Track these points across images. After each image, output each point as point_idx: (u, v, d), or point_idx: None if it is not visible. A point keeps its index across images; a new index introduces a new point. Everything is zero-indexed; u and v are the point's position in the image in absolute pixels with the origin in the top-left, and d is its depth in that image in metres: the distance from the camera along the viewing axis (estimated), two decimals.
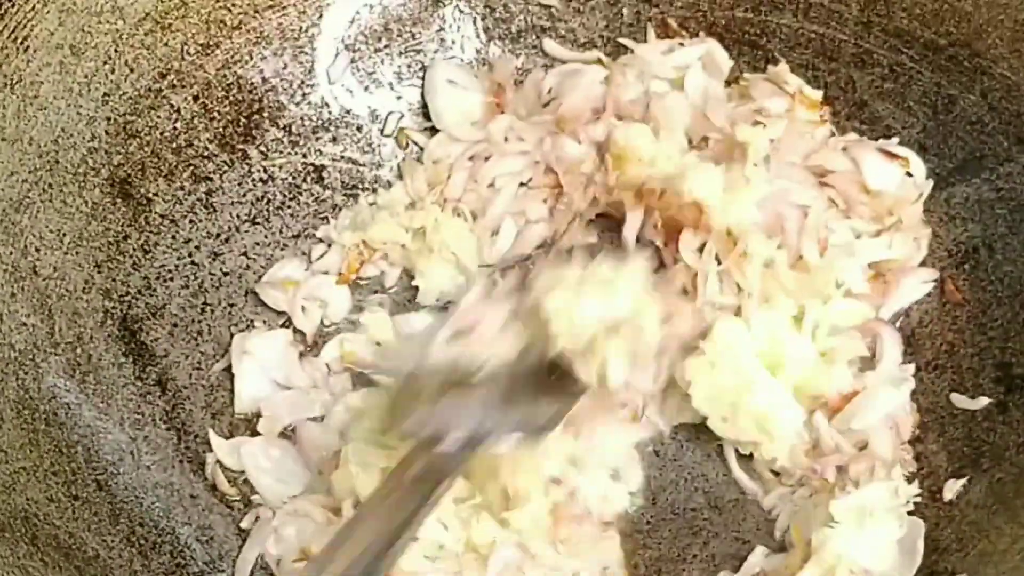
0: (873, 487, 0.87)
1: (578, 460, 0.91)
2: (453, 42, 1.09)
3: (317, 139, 1.06)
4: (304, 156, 1.05)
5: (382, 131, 1.08)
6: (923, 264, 0.98)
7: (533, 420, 0.84)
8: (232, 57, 1.02)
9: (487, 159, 1.03)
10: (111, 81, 0.97)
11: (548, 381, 0.87)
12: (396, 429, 0.86)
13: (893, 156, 0.97)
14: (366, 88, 1.08)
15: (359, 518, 0.79)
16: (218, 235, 1.02)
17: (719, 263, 0.92)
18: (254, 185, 1.04)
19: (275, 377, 0.99)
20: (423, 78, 1.08)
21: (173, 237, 1.00)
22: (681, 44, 1.05)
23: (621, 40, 1.07)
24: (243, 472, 0.96)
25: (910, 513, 0.88)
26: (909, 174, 0.98)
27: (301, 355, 1.00)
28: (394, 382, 0.89)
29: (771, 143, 0.95)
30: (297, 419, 0.98)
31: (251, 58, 1.03)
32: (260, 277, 1.03)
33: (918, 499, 0.88)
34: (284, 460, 0.96)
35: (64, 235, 0.94)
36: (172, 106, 1.00)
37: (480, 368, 0.86)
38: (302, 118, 1.06)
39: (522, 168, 1.03)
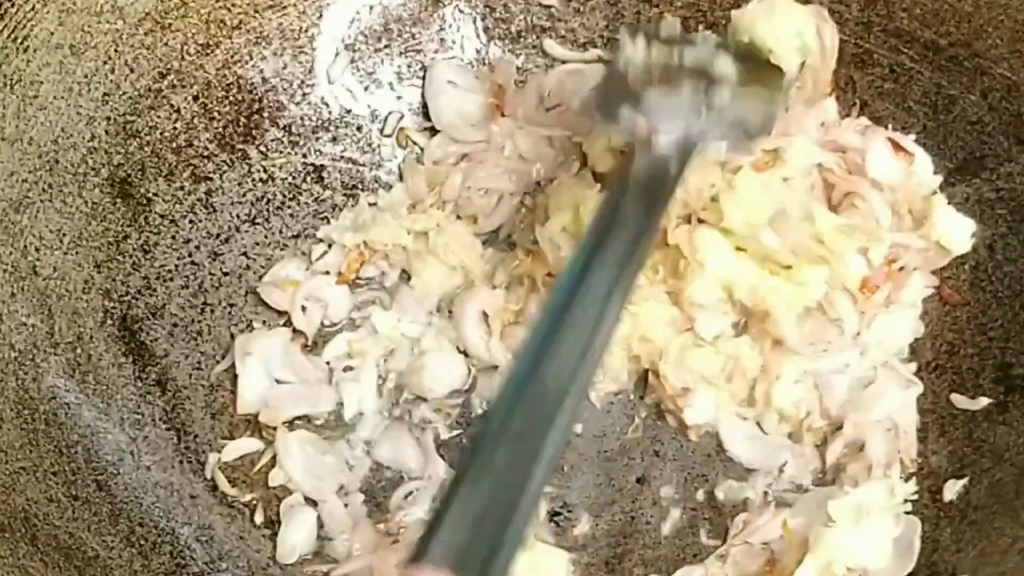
0: (870, 486, 0.87)
1: None
2: (453, 42, 1.08)
3: (317, 139, 1.06)
4: (304, 156, 1.05)
5: (382, 131, 1.08)
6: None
7: (741, 122, 0.81)
8: (232, 57, 1.02)
9: (482, 163, 1.03)
10: (111, 81, 0.97)
11: (748, 77, 0.83)
12: (606, 128, 0.84)
13: (899, 149, 0.97)
14: (366, 88, 1.08)
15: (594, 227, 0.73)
16: (218, 235, 1.02)
17: None
18: (254, 185, 1.04)
19: (278, 376, 0.99)
20: (423, 78, 1.08)
21: (173, 237, 1.00)
22: None
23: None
24: (243, 472, 0.96)
25: (908, 512, 0.88)
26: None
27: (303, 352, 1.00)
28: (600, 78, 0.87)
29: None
30: (299, 413, 0.98)
31: (251, 58, 1.03)
32: (260, 277, 1.03)
33: (915, 498, 0.88)
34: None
35: (64, 235, 0.94)
36: (172, 106, 1.00)
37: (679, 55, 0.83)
38: (302, 118, 1.06)
39: (516, 188, 1.03)
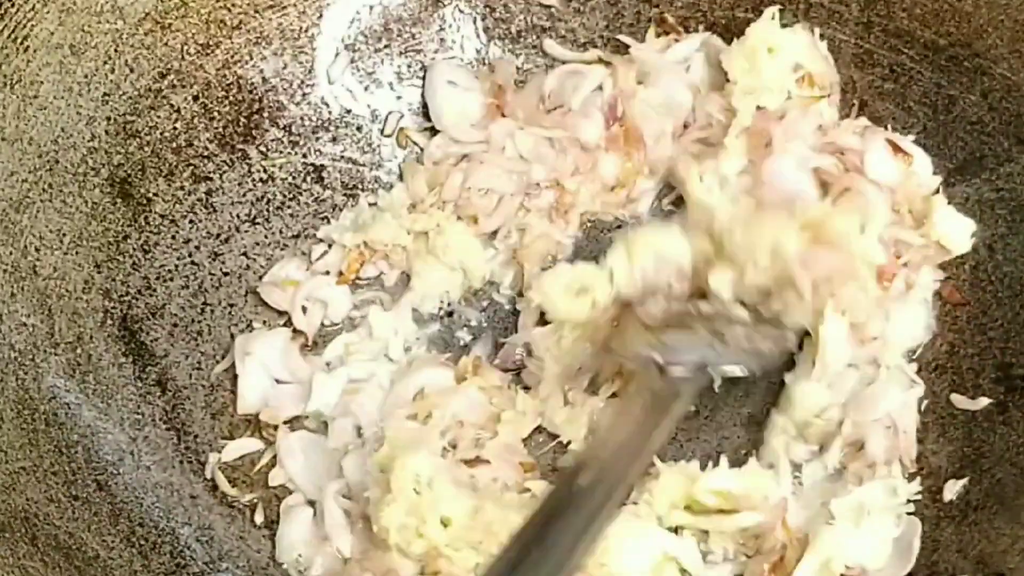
0: (873, 485, 0.87)
1: None
2: (453, 42, 1.08)
3: (317, 139, 1.06)
4: (304, 156, 1.05)
5: (382, 131, 1.08)
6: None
7: (756, 352, 0.88)
8: (232, 57, 1.02)
9: (482, 163, 1.03)
10: (111, 81, 0.97)
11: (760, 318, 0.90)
12: (621, 351, 0.90)
13: (898, 150, 0.97)
14: (366, 88, 1.08)
15: (604, 441, 0.80)
16: (218, 235, 1.02)
17: None
18: (254, 185, 1.04)
19: (278, 376, 0.99)
20: (423, 78, 1.08)
21: (173, 237, 1.00)
22: (676, 40, 1.05)
23: (620, 37, 1.07)
24: (243, 472, 0.96)
25: (909, 513, 0.88)
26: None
27: (303, 352, 1.00)
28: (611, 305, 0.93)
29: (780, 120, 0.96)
30: (298, 412, 0.98)
31: (251, 58, 1.03)
32: (260, 277, 1.03)
33: (918, 498, 0.88)
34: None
35: (64, 235, 0.94)
36: (172, 106, 1.00)
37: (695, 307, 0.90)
38: (302, 118, 1.06)
39: (516, 189, 1.03)
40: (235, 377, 0.98)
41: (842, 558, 0.85)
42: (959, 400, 0.93)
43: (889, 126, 0.99)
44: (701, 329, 0.88)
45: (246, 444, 0.97)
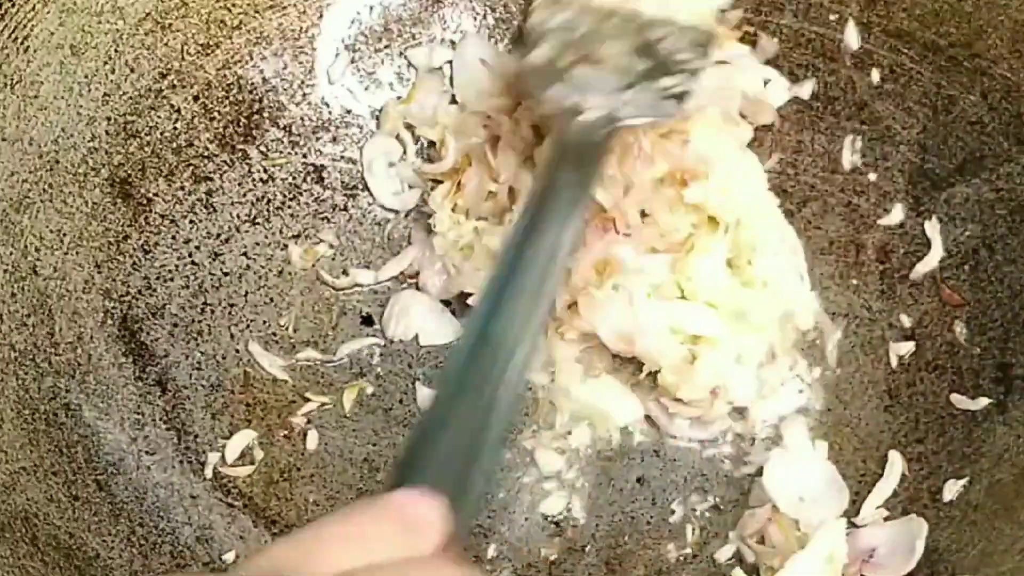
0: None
1: None
2: (453, 42, 1.08)
3: (317, 139, 1.06)
4: (304, 156, 1.06)
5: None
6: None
7: (663, 95, 0.86)
8: (232, 57, 1.02)
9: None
10: (111, 81, 0.97)
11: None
12: (533, 103, 0.89)
13: None
14: (366, 88, 1.08)
15: (523, 223, 0.77)
16: (218, 235, 1.02)
17: None
18: (254, 185, 1.04)
19: None
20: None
21: (173, 237, 1.00)
22: None
23: None
24: (243, 472, 0.96)
25: (917, 513, 0.89)
26: None
27: None
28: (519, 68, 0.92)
29: None
30: None
31: (251, 58, 1.03)
32: (260, 277, 1.03)
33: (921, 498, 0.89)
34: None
35: (64, 235, 0.94)
36: (172, 106, 1.00)
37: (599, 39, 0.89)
38: (302, 118, 1.06)
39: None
40: (235, 378, 0.99)
41: (844, 549, 0.86)
42: (959, 400, 0.93)
43: None
44: (611, 65, 0.86)
45: (244, 437, 0.97)
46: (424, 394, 0.99)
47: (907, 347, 0.97)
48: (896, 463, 0.91)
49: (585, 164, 0.80)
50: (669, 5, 0.92)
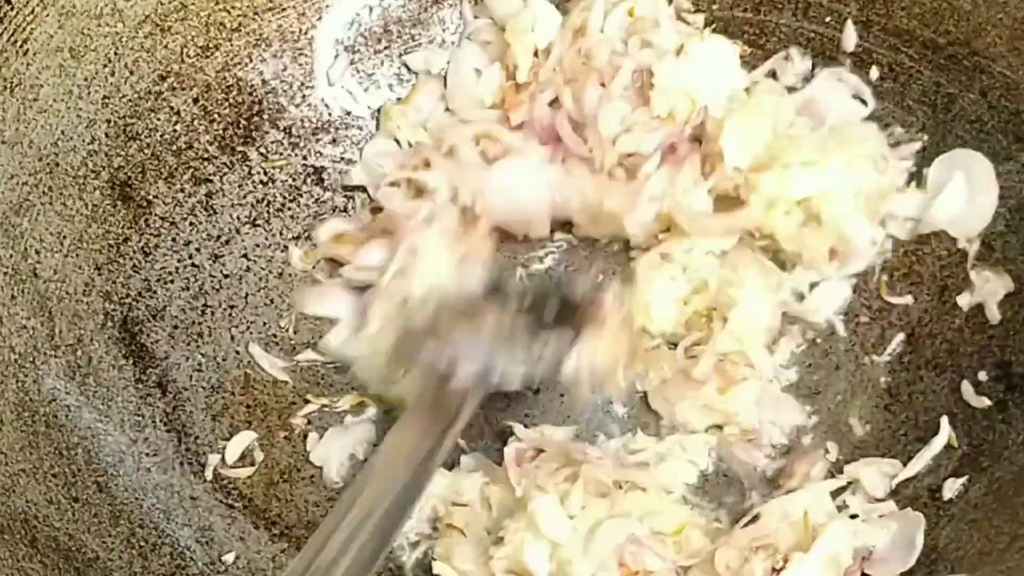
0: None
1: None
2: (452, 44, 1.08)
3: (317, 141, 1.06)
4: (304, 158, 1.06)
5: None
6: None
7: (538, 355, 0.89)
8: (232, 59, 1.03)
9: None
10: (111, 84, 0.97)
11: (550, 320, 0.91)
12: (406, 366, 0.90)
13: None
14: (366, 90, 1.08)
15: (373, 465, 0.81)
16: (218, 237, 1.02)
17: None
18: (254, 187, 1.04)
19: None
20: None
21: (173, 239, 1.01)
22: None
23: None
24: (243, 473, 0.97)
25: (914, 508, 0.89)
26: None
27: None
28: (397, 332, 0.94)
29: None
30: None
31: (251, 60, 1.03)
32: (261, 279, 1.03)
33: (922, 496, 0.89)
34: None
35: (64, 238, 0.94)
36: (172, 108, 1.00)
37: (488, 301, 0.92)
38: (302, 120, 1.06)
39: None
40: (235, 378, 0.99)
41: (850, 550, 0.86)
42: (960, 398, 0.93)
43: None
44: (487, 329, 0.89)
45: (244, 438, 0.97)
46: None
47: (907, 347, 0.97)
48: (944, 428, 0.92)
49: (448, 420, 0.83)
50: None
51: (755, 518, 0.88)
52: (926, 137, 0.99)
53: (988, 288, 0.94)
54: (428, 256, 0.96)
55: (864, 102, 1.00)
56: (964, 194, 0.96)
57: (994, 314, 0.94)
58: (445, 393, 0.84)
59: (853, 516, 0.89)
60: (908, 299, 0.98)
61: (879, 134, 0.98)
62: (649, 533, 0.86)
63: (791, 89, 1.01)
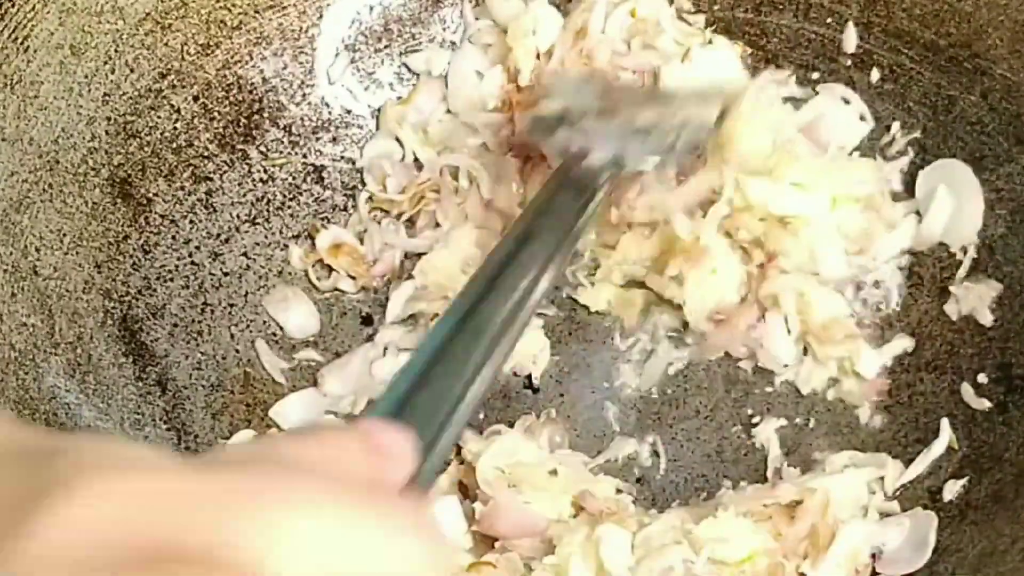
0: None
1: None
2: (453, 43, 1.08)
3: (317, 139, 1.06)
4: (304, 156, 1.06)
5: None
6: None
7: (664, 142, 0.88)
8: (232, 57, 1.02)
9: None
10: (111, 81, 0.97)
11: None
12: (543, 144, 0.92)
13: None
14: (366, 88, 1.08)
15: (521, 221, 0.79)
16: (218, 235, 1.02)
17: None
18: (254, 185, 1.04)
19: None
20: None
21: (173, 237, 1.00)
22: None
23: None
24: None
25: (923, 507, 0.89)
26: None
27: None
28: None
29: None
30: None
31: (251, 58, 1.03)
32: (260, 277, 1.03)
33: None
34: None
35: (64, 235, 0.94)
36: (172, 106, 1.00)
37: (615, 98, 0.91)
38: (302, 118, 1.06)
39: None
40: (235, 377, 0.99)
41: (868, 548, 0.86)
42: (960, 400, 0.93)
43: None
44: (620, 117, 0.89)
45: (244, 437, 0.97)
46: None
47: (907, 347, 0.97)
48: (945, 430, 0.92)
49: (583, 201, 0.82)
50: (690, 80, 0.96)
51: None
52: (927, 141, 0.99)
53: (973, 296, 0.94)
54: None
55: (864, 118, 1.01)
56: (950, 206, 0.96)
57: (987, 318, 0.94)
58: (581, 169, 0.84)
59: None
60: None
61: (878, 172, 0.98)
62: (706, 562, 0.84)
63: (790, 100, 1.01)
